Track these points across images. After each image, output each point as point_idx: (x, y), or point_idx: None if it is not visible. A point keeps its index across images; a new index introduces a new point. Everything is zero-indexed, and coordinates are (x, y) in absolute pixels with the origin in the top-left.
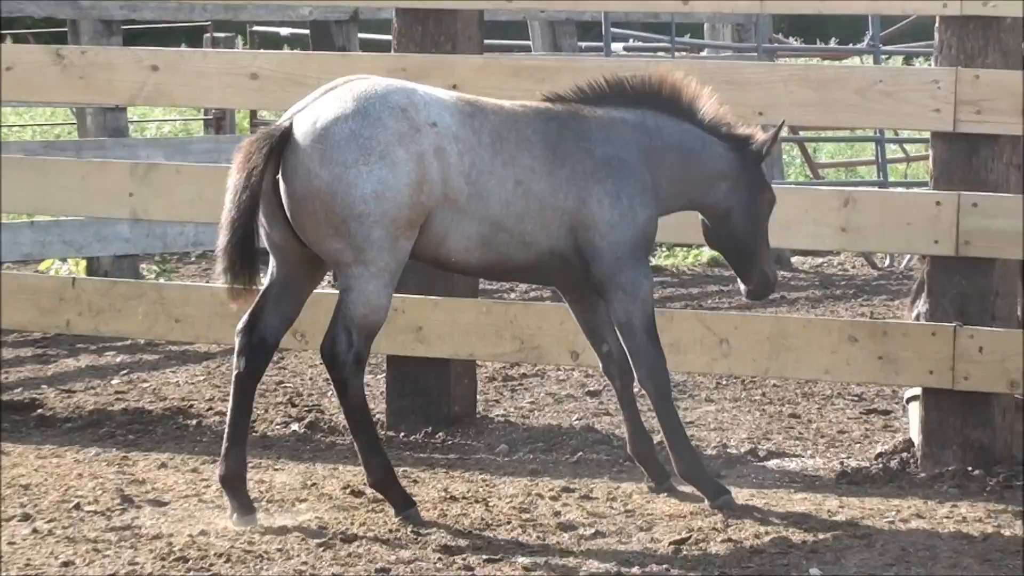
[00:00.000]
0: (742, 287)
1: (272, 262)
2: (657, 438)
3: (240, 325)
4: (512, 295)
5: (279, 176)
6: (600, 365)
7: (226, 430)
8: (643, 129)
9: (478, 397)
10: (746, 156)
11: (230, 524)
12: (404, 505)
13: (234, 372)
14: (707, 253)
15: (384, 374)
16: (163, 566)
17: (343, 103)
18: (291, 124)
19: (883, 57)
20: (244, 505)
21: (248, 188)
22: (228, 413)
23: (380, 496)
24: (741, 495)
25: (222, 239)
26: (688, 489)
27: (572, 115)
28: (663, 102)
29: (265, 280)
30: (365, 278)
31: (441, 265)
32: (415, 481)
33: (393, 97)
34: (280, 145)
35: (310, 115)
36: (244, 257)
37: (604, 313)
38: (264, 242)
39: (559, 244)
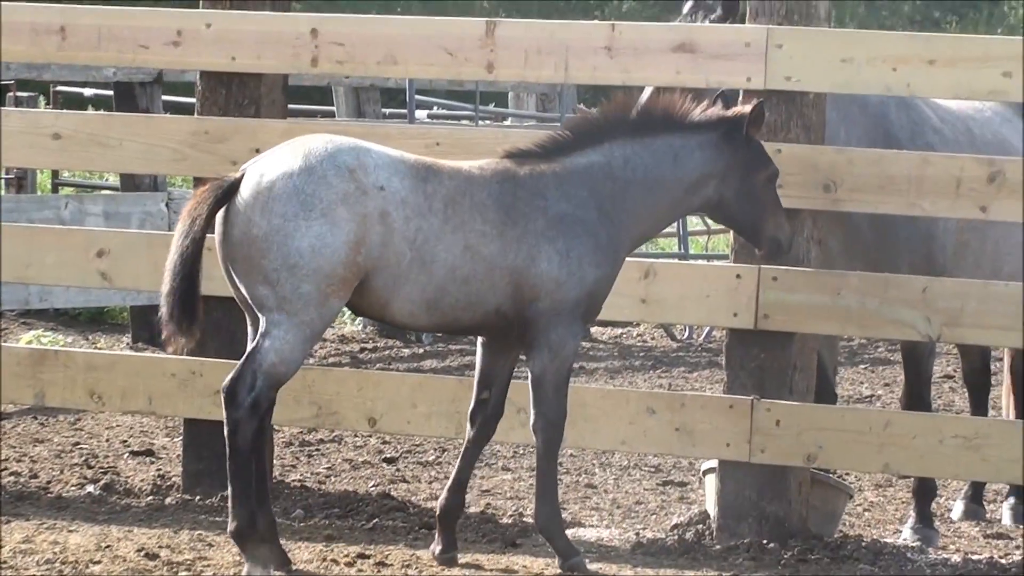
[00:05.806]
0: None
1: (249, 321)
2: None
3: (225, 389)
4: (311, 360)
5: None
6: (470, 407)
7: (230, 490)
8: (607, 172)
9: (275, 462)
10: (735, 140)
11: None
12: (255, 561)
13: (236, 445)
14: None
15: (181, 437)
16: None
17: (292, 158)
18: (242, 175)
19: None
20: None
21: (190, 234)
22: (229, 478)
23: (176, 560)
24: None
25: (165, 285)
26: (465, 560)
27: (530, 173)
28: (634, 126)
29: (248, 341)
30: (284, 327)
31: (393, 325)
32: (210, 544)
33: (342, 157)
34: (228, 196)
35: (258, 168)
36: (185, 303)
37: (510, 366)
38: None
39: (505, 302)
